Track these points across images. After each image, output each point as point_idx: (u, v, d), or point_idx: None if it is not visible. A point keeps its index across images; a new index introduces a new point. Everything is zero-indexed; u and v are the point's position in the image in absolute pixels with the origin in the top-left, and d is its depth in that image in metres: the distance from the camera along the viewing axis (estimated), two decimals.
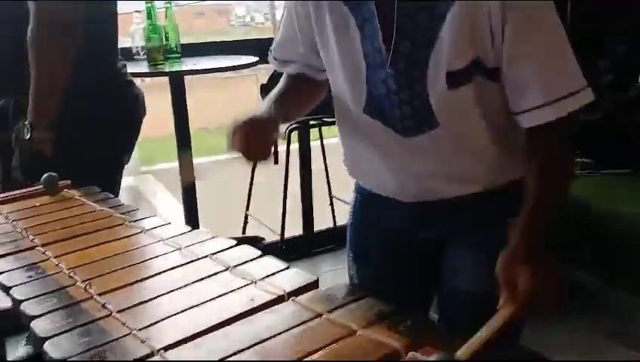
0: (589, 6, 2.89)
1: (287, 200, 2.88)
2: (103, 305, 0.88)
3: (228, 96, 6.85)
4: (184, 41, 2.70)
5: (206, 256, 1.04)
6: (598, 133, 2.82)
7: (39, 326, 0.84)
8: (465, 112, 1.00)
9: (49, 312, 0.87)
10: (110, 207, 1.31)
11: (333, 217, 3.22)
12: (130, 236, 1.16)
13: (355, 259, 1.26)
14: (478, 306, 0.86)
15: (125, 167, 1.94)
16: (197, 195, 2.86)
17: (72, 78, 1.58)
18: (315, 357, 0.73)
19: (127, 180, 2.02)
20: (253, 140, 1.00)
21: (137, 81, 2.02)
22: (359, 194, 1.25)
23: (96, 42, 1.67)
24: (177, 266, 1.02)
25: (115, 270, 1.01)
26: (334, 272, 2.85)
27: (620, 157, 2.93)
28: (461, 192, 1.09)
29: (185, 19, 7.96)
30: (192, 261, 1.03)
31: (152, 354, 0.75)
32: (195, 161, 2.87)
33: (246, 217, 3.07)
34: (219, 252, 1.06)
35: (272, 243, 2.93)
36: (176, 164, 2.90)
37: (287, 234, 2.93)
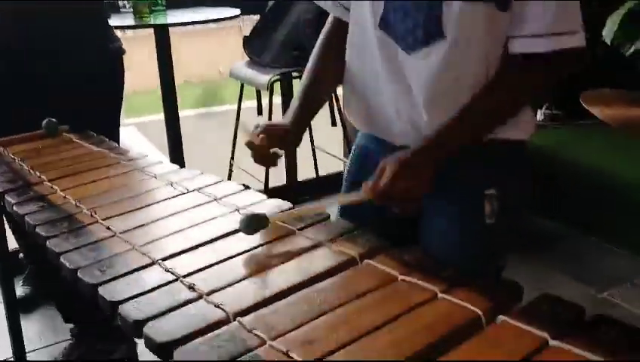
0: None
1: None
2: (108, 228, 1.03)
3: (211, 49, 6.87)
4: None
5: (195, 190, 1.19)
6: (569, 85, 2.97)
7: (54, 244, 0.98)
8: (472, 32, 1.05)
9: (61, 234, 1.02)
10: (105, 149, 1.45)
11: (316, 167, 3.36)
12: (126, 172, 1.31)
13: (342, 213, 1.30)
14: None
15: None
16: (183, 147, 2.98)
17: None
18: (286, 264, 0.89)
19: None
20: (264, 150, 1.14)
21: (119, 33, 2.10)
22: (356, 148, 1.31)
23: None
24: (170, 197, 1.16)
25: (116, 201, 1.15)
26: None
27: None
28: None
29: None
30: (183, 193, 1.18)
31: (152, 263, 0.91)
32: (180, 113, 2.98)
33: (231, 166, 3.20)
34: (206, 186, 1.20)
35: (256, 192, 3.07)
36: (160, 116, 3.01)
37: (270, 184, 3.07)
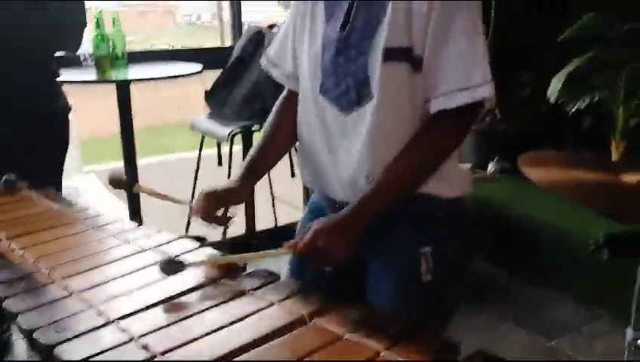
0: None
1: None
2: (65, 287, 1.05)
3: (173, 97, 6.92)
4: (129, 38, 2.84)
5: (151, 248, 1.22)
6: (518, 140, 3.11)
7: (11, 305, 1.00)
8: (394, 91, 1.14)
9: (19, 294, 1.04)
10: (64, 206, 1.48)
11: (275, 217, 3.41)
12: (84, 231, 1.33)
13: (292, 273, 1.37)
14: None
15: (68, 166, 2.10)
16: (140, 195, 3.00)
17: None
18: (238, 324, 0.93)
19: (69, 180, 2.19)
20: (210, 211, 1.28)
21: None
22: (310, 203, 1.40)
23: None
24: (127, 256, 1.19)
25: (74, 260, 1.18)
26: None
27: None
28: None
29: (129, 17, 8.00)
30: (139, 252, 1.21)
31: (108, 323, 0.93)
32: (140, 161, 3.01)
33: (189, 216, 3.21)
34: (162, 244, 1.24)
35: (214, 243, 3.08)
36: (120, 163, 3.03)
37: (229, 234, 3.09)
